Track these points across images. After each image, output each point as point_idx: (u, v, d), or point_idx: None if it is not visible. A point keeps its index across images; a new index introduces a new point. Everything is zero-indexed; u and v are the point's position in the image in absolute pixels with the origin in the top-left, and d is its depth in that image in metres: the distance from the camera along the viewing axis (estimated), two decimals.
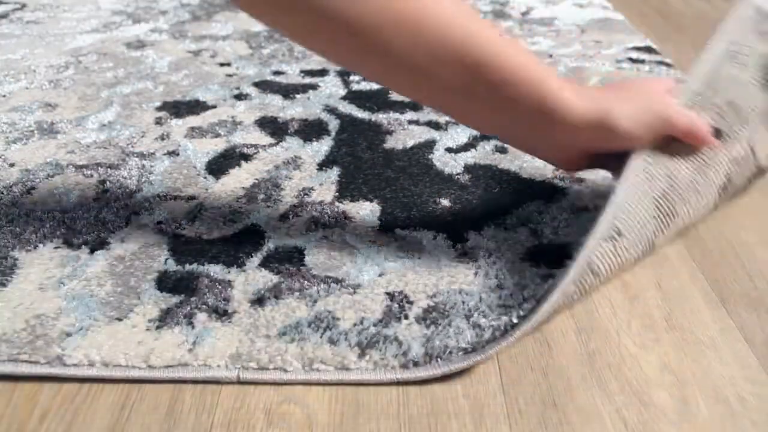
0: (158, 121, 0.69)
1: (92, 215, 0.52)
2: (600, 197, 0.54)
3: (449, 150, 0.62)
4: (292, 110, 0.72)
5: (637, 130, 0.42)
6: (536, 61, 0.41)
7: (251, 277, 0.45)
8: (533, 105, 0.41)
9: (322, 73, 0.82)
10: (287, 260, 0.47)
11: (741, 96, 0.46)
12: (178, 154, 0.62)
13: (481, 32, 0.39)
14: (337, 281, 0.45)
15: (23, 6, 1.15)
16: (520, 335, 0.39)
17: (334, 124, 0.68)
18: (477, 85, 0.40)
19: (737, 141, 0.46)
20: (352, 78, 0.80)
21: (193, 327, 0.41)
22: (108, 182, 0.57)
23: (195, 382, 0.38)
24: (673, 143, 0.44)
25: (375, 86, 0.78)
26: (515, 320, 0.39)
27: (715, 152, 0.45)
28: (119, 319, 0.41)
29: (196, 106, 0.72)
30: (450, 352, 0.38)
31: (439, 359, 0.38)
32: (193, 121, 0.69)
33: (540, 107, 0.41)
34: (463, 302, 0.42)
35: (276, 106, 0.73)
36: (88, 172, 0.59)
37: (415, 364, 0.38)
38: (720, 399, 0.37)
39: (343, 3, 0.37)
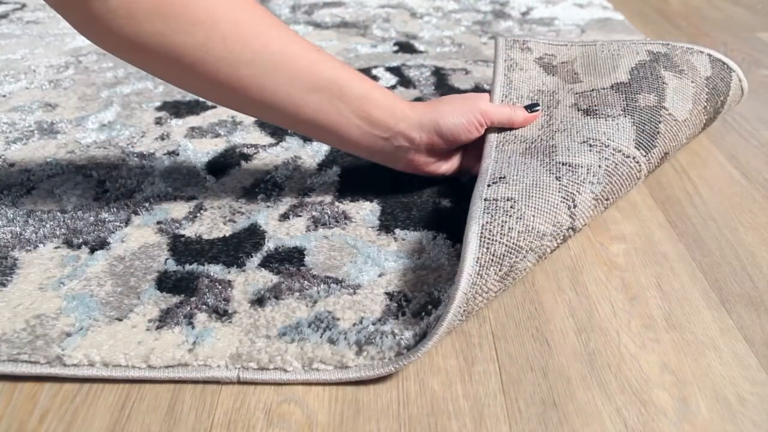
0: (158, 121, 0.69)
1: (92, 215, 0.52)
2: None
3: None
4: None
5: (463, 126, 0.51)
6: (378, 88, 0.50)
7: (251, 277, 0.45)
8: (371, 117, 0.49)
9: None
10: (287, 260, 0.47)
11: (535, 84, 0.59)
12: (178, 154, 0.62)
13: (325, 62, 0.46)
14: (337, 281, 0.45)
15: (23, 6, 1.15)
16: (471, 267, 0.39)
17: None
18: (329, 108, 0.47)
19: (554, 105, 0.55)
20: None
21: (193, 327, 0.41)
22: (108, 182, 0.57)
23: (195, 382, 0.38)
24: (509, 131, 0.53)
25: None
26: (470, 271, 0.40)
27: (549, 113, 0.54)
28: (119, 319, 0.41)
29: (196, 106, 0.72)
30: (431, 324, 0.39)
31: (425, 336, 0.38)
32: (193, 121, 0.69)
33: (375, 117, 0.49)
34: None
35: None
36: (88, 172, 0.59)
37: (408, 349, 0.38)
38: (720, 399, 0.37)
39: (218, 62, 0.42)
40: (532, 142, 0.50)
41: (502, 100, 0.56)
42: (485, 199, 0.43)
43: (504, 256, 0.40)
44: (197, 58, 0.42)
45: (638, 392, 0.37)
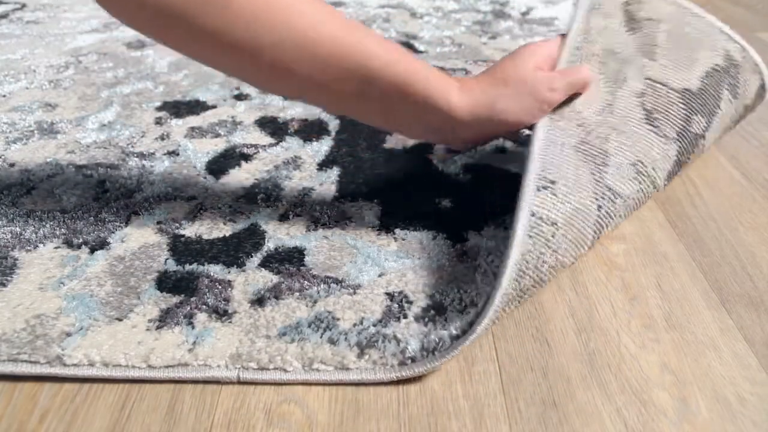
0: (158, 121, 0.69)
1: (92, 215, 0.52)
2: None
3: (449, 150, 0.62)
4: (292, 110, 0.72)
5: (523, 118, 0.45)
6: (420, 65, 0.44)
7: (251, 277, 0.45)
8: (421, 106, 0.44)
9: None
10: (287, 260, 0.47)
11: (612, 41, 0.51)
12: (178, 154, 0.62)
13: (369, 45, 0.42)
14: (337, 281, 0.45)
15: (23, 6, 1.15)
16: (498, 303, 0.38)
17: (334, 124, 0.68)
18: (370, 93, 0.44)
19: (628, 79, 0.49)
20: None
21: (193, 327, 0.41)
22: (108, 182, 0.57)
23: (195, 382, 0.38)
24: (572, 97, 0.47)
25: None
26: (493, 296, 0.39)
27: (613, 91, 0.48)
28: (119, 319, 0.41)
29: (196, 106, 0.72)
30: (443, 343, 0.38)
31: (435, 352, 0.38)
32: (193, 121, 0.69)
33: (428, 107, 0.44)
34: (461, 299, 0.42)
35: (276, 106, 0.73)
36: (88, 172, 0.59)
37: (413, 360, 0.38)
38: (720, 399, 0.37)
39: (245, 32, 0.39)
40: (587, 133, 0.45)
41: (572, 62, 0.49)
42: (533, 214, 0.40)
43: (528, 289, 0.40)
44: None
45: (638, 392, 0.37)
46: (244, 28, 0.39)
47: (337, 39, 0.41)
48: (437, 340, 0.39)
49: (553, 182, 0.42)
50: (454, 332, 0.39)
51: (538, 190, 0.42)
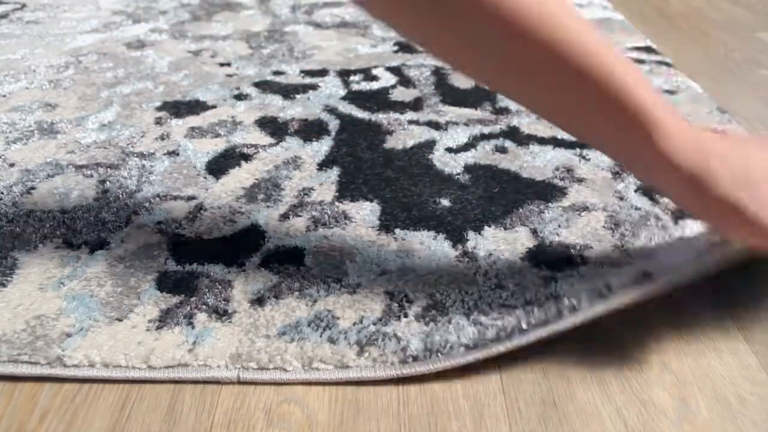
0: (158, 121, 0.69)
1: (92, 215, 0.52)
2: (601, 196, 0.54)
3: (449, 150, 0.62)
4: (292, 110, 0.72)
5: (729, 225, 0.38)
6: (648, 89, 0.37)
7: (251, 277, 0.45)
8: (636, 130, 0.37)
9: (322, 73, 0.82)
10: (287, 260, 0.47)
11: None
12: (178, 154, 0.62)
13: (607, 53, 0.36)
14: (337, 281, 0.45)
15: (23, 6, 1.15)
16: (530, 339, 0.39)
17: (334, 124, 0.68)
18: (600, 102, 0.37)
19: None
20: (352, 78, 0.80)
21: (193, 327, 0.41)
22: (108, 182, 0.57)
23: (195, 382, 0.38)
24: None
25: (375, 86, 0.78)
26: (524, 326, 0.39)
27: None
28: (119, 320, 0.41)
29: (196, 106, 0.72)
30: (451, 347, 0.38)
31: (439, 354, 0.38)
32: (193, 121, 0.69)
33: (640, 134, 0.37)
34: (463, 300, 0.42)
35: (276, 106, 0.73)
36: (88, 172, 0.59)
37: (414, 359, 0.38)
38: (720, 399, 0.37)
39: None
40: None
41: None
42: None
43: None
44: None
45: (638, 392, 0.37)
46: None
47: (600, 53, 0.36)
48: (442, 342, 0.39)
49: None
50: (464, 341, 0.39)
51: None
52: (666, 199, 0.54)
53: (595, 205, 0.53)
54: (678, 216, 0.52)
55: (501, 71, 0.39)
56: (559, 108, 0.39)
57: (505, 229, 0.50)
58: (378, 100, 0.74)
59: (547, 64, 0.36)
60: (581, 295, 0.40)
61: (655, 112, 0.36)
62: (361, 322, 0.41)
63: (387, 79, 0.80)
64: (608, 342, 0.41)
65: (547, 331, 0.39)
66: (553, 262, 0.46)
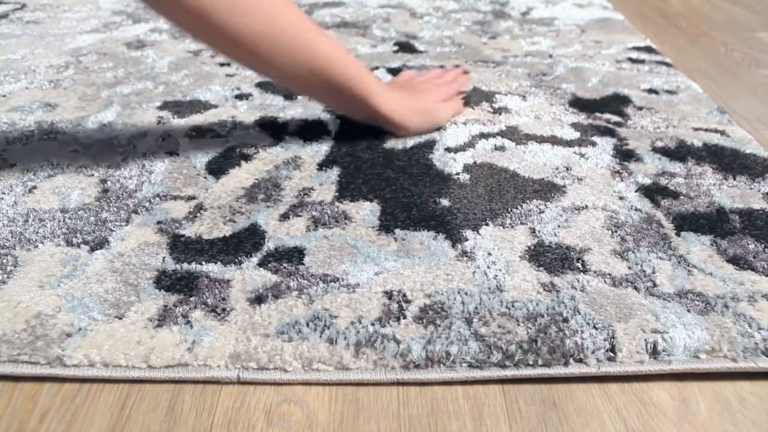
0: (159, 121, 0.69)
1: (92, 215, 0.52)
2: (599, 196, 0.54)
3: (449, 150, 0.62)
4: (292, 110, 0.72)
5: (419, 131, 0.66)
6: (363, 72, 0.60)
7: (250, 276, 0.45)
8: (361, 101, 0.60)
9: None
10: (286, 260, 0.47)
11: None
12: (178, 154, 0.62)
13: (332, 52, 0.57)
14: (336, 280, 0.45)
15: (23, 6, 1.15)
16: (527, 375, 0.38)
17: (334, 124, 0.68)
18: (329, 88, 0.59)
19: None
20: None
21: (191, 326, 0.41)
22: (108, 182, 0.57)
23: (195, 382, 0.38)
24: None
25: None
26: (530, 362, 0.38)
27: None
28: (119, 318, 0.41)
29: (196, 106, 0.72)
30: (453, 361, 0.38)
31: (441, 364, 0.38)
32: (193, 121, 0.69)
33: (365, 103, 0.61)
34: (463, 303, 0.42)
35: (276, 106, 0.73)
36: (89, 172, 0.59)
37: (416, 366, 0.38)
38: (720, 399, 0.37)
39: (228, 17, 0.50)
40: None
41: None
42: None
43: None
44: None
45: (638, 392, 0.37)
46: (240, 21, 0.50)
47: (311, 43, 0.55)
48: (444, 353, 0.39)
49: None
50: (467, 358, 0.38)
51: None
52: (667, 203, 0.54)
53: (595, 205, 0.53)
54: (679, 226, 0.52)
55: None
56: (305, 90, 0.64)
57: (504, 228, 0.50)
58: None
59: (298, 66, 0.56)
60: (586, 346, 0.39)
61: (373, 88, 0.60)
62: (359, 322, 0.41)
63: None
64: None
65: (553, 373, 0.38)
66: (553, 262, 0.46)
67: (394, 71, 0.82)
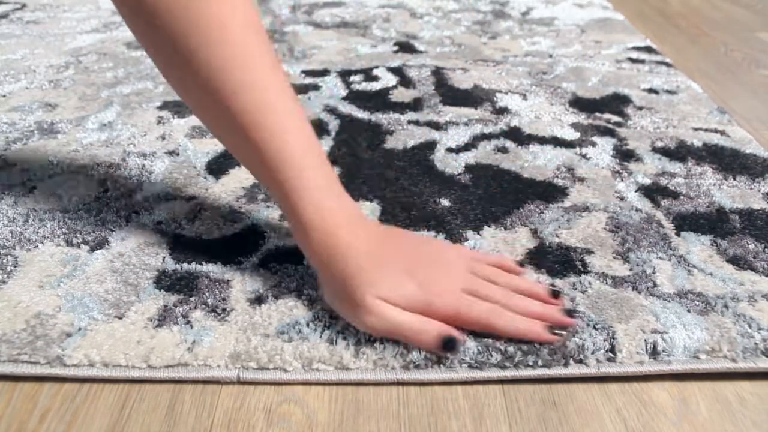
0: (159, 121, 0.69)
1: (92, 215, 0.52)
2: (600, 197, 0.54)
3: (450, 150, 0.62)
4: None
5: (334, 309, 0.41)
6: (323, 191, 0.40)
7: (250, 276, 0.45)
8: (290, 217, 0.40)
9: (323, 73, 0.82)
10: (286, 260, 0.47)
11: None
12: (178, 154, 0.62)
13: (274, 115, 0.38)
14: None
15: (23, 6, 1.15)
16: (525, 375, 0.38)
17: (334, 124, 0.68)
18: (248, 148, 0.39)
19: None
20: (352, 78, 0.80)
21: (191, 326, 0.41)
22: (108, 182, 0.57)
23: (195, 382, 0.38)
24: None
25: (375, 87, 0.78)
26: (530, 362, 0.38)
27: None
28: (119, 318, 0.41)
29: None
30: (452, 361, 0.38)
31: (441, 365, 0.38)
32: (193, 120, 0.69)
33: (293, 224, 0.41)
34: None
35: None
36: (89, 172, 0.59)
37: (416, 366, 0.38)
38: (720, 399, 0.37)
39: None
40: None
41: None
42: None
43: None
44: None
45: (638, 392, 0.37)
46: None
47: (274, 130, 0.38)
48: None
49: None
50: (466, 359, 0.38)
51: None
52: (667, 203, 0.54)
53: (596, 205, 0.53)
54: (679, 226, 0.52)
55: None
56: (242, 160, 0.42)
57: (505, 229, 0.50)
58: (378, 101, 0.74)
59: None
60: (587, 347, 0.39)
61: (311, 216, 0.39)
62: None
63: (388, 80, 0.80)
64: None
65: (553, 373, 0.38)
66: (553, 262, 0.46)
67: (394, 71, 0.82)
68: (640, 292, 0.43)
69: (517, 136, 0.65)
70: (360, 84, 0.78)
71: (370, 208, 0.53)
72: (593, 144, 0.64)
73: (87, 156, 0.62)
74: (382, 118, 0.69)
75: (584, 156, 0.61)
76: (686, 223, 0.51)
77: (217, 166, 0.60)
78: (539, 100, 0.74)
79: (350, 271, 0.38)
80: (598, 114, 0.71)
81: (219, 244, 0.49)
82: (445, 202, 0.54)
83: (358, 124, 0.68)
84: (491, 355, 0.38)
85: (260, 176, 0.41)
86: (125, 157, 0.61)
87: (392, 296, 0.38)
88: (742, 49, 0.94)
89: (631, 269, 0.46)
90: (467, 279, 0.40)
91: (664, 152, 0.62)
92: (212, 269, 0.46)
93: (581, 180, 0.57)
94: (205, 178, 0.58)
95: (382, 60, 0.87)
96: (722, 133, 0.66)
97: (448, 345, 0.37)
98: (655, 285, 0.44)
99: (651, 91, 0.77)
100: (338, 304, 0.40)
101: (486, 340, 0.39)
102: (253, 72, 0.38)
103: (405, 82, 0.79)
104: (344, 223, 0.40)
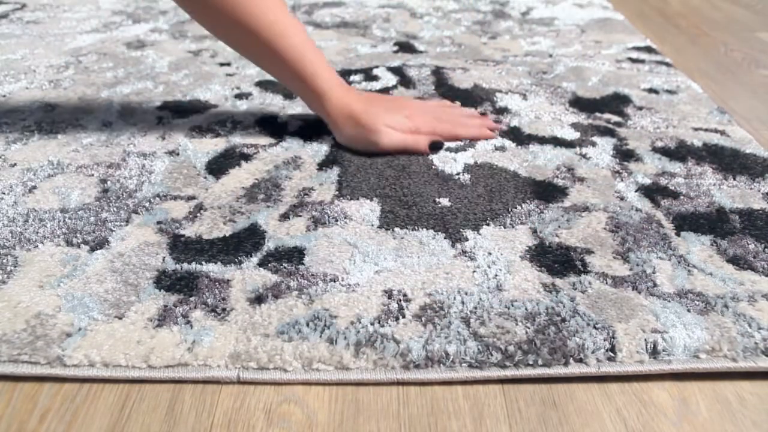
0: (159, 121, 0.69)
1: (92, 214, 0.52)
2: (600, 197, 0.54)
3: (449, 149, 0.62)
4: (292, 110, 0.72)
5: (350, 145, 0.63)
6: (318, 64, 0.60)
7: (250, 276, 0.45)
8: (316, 99, 0.62)
9: None
10: (286, 260, 0.47)
11: None
12: (178, 154, 0.62)
13: (295, 40, 0.59)
14: (335, 279, 0.45)
15: (23, 6, 1.15)
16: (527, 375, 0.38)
17: None
18: (300, 87, 0.62)
19: None
20: (352, 78, 0.80)
21: (191, 326, 0.41)
22: (108, 182, 0.57)
23: (195, 382, 0.38)
24: None
25: (376, 86, 0.78)
26: (530, 362, 0.38)
27: None
28: (119, 318, 0.41)
29: (196, 106, 0.72)
30: (452, 361, 0.38)
31: (441, 364, 0.38)
32: (193, 120, 0.69)
33: (319, 101, 0.62)
34: (462, 302, 0.42)
35: (276, 105, 0.73)
36: (89, 172, 0.59)
37: (416, 366, 0.38)
38: (720, 399, 0.37)
39: None
40: None
41: None
42: None
43: None
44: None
45: (638, 392, 0.37)
46: (240, 11, 0.55)
47: (294, 47, 0.58)
48: (443, 353, 0.39)
49: None
50: (466, 358, 0.38)
51: None
52: (667, 203, 0.54)
53: (596, 205, 0.53)
54: (679, 226, 0.52)
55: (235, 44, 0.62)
56: (270, 71, 0.63)
57: (505, 228, 0.50)
58: None
59: (261, 50, 0.59)
60: (587, 346, 0.39)
61: (326, 87, 0.60)
62: (359, 321, 0.41)
63: (388, 79, 0.80)
64: None
65: (553, 372, 0.38)
66: (553, 262, 0.46)
67: (394, 71, 0.82)
68: (640, 292, 0.43)
69: (516, 135, 0.65)
70: (360, 84, 0.78)
71: (369, 208, 0.53)
72: (593, 144, 0.64)
73: (87, 156, 0.62)
74: None
75: (584, 156, 0.61)
76: (686, 223, 0.51)
77: (217, 166, 0.60)
78: (539, 100, 0.74)
79: (364, 114, 0.60)
80: (598, 114, 0.71)
81: (219, 244, 0.49)
82: (444, 201, 0.54)
83: None
84: (491, 355, 0.38)
85: (284, 76, 0.61)
86: (125, 157, 0.61)
87: (393, 124, 0.61)
88: (742, 49, 0.94)
89: (631, 269, 0.46)
90: (434, 110, 0.66)
91: (664, 152, 0.62)
92: (212, 269, 0.46)
93: (581, 180, 0.57)
94: (205, 178, 0.58)
95: (382, 60, 0.87)
96: (722, 133, 0.66)
97: (436, 146, 0.62)
98: (655, 285, 0.44)
99: (651, 91, 0.77)
100: (355, 138, 0.61)
101: (486, 339, 0.39)
102: (276, 13, 0.58)
103: (405, 81, 0.79)
104: (347, 89, 0.62)
